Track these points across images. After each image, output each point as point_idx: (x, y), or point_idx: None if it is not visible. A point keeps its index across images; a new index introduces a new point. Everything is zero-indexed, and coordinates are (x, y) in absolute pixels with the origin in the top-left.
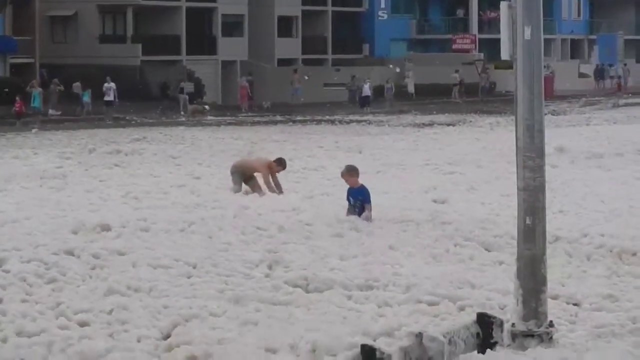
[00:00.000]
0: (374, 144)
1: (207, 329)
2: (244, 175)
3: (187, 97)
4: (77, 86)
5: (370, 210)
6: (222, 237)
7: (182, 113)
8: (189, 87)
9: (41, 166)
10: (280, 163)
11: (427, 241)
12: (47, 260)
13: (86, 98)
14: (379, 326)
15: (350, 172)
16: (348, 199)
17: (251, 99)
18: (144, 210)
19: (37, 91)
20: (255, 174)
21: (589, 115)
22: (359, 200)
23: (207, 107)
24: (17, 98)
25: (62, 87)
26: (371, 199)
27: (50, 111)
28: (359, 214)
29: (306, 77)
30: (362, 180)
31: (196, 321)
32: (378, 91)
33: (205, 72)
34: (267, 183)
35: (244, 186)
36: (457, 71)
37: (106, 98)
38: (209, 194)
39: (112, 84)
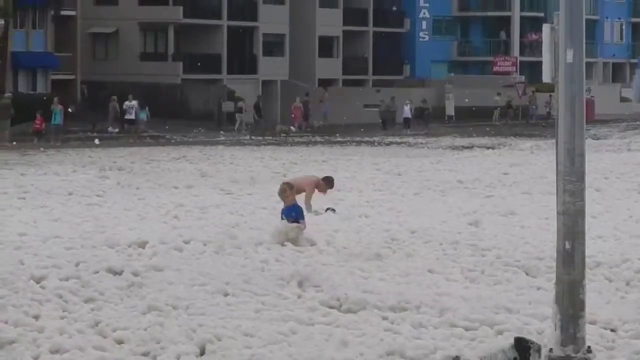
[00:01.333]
0: (412, 166)
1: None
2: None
3: (244, 115)
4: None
5: (304, 227)
6: (259, 257)
7: (241, 132)
8: (228, 106)
9: (81, 183)
10: (329, 181)
11: (465, 265)
12: (86, 278)
13: (143, 116)
14: (413, 347)
15: (285, 191)
16: (282, 217)
17: (306, 120)
18: (183, 229)
19: (57, 108)
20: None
21: (630, 139)
22: (291, 217)
23: (292, 128)
24: (38, 115)
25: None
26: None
27: (110, 128)
28: None
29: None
30: (401, 202)
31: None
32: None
33: (246, 92)
34: (307, 201)
35: None
36: (499, 94)
37: (127, 116)
38: (248, 214)
39: (134, 102)
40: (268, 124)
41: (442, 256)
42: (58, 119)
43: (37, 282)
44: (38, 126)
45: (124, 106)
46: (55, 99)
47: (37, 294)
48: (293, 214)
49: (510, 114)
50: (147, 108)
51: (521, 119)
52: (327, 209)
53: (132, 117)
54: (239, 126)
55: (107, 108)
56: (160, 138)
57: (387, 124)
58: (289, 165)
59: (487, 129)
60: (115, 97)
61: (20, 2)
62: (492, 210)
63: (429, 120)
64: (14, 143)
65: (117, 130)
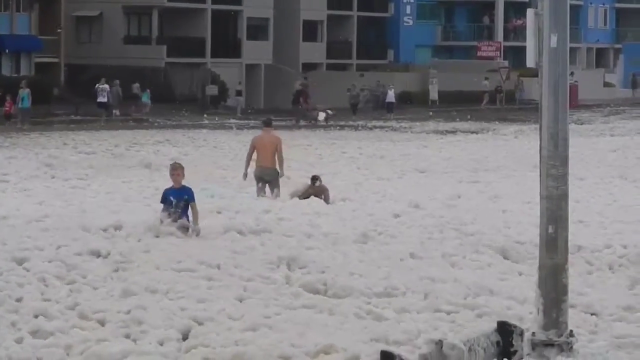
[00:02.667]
0: (397, 150)
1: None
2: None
3: (242, 99)
4: (136, 87)
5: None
6: (244, 242)
7: (239, 116)
8: (212, 90)
9: (64, 166)
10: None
11: (448, 249)
12: (68, 261)
13: (145, 98)
14: (398, 332)
15: (178, 169)
16: (166, 200)
17: (307, 104)
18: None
19: (25, 92)
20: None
21: (613, 125)
22: (183, 200)
23: (329, 111)
24: (7, 98)
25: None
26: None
27: (115, 112)
28: (182, 216)
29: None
30: (386, 185)
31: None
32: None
33: (230, 75)
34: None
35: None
36: (487, 79)
37: (99, 99)
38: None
39: (106, 86)
40: (254, 108)
41: (426, 240)
42: (26, 103)
43: (19, 264)
44: (7, 109)
45: (96, 88)
46: (23, 82)
47: (20, 277)
48: (185, 196)
49: (500, 99)
50: (148, 90)
51: (506, 104)
52: None
53: (104, 100)
54: (239, 109)
55: (93, 91)
56: (143, 121)
57: (355, 110)
58: None
59: (471, 113)
60: (117, 82)
61: None
62: (475, 194)
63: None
64: None
65: (117, 113)
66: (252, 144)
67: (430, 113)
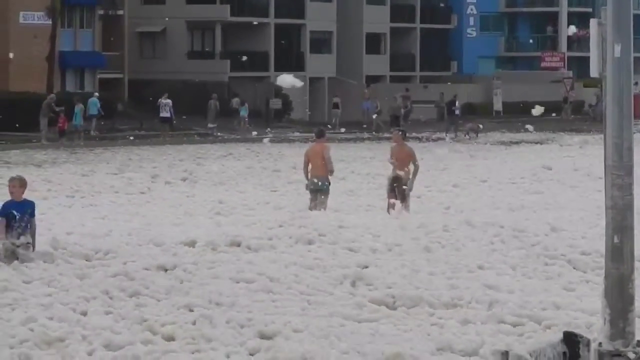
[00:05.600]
0: (462, 161)
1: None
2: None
3: (339, 112)
4: (236, 101)
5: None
6: (311, 254)
7: (332, 129)
8: (276, 103)
9: (128, 181)
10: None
11: (515, 260)
12: (133, 275)
13: (243, 112)
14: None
15: (21, 181)
16: (8, 214)
17: (407, 116)
18: (229, 227)
19: (78, 108)
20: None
21: None
22: (27, 214)
23: (481, 126)
24: (61, 114)
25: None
26: None
27: (209, 125)
28: (25, 231)
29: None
30: (450, 196)
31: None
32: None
33: (293, 89)
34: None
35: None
36: (572, 89)
37: (162, 114)
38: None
39: (169, 101)
40: (317, 121)
41: (491, 252)
42: (78, 119)
43: (80, 279)
44: (61, 125)
45: (158, 103)
46: (75, 98)
47: (84, 292)
48: (29, 210)
49: (565, 109)
50: (246, 104)
51: (576, 115)
52: None
53: (167, 115)
54: (334, 122)
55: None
56: (208, 135)
57: (397, 122)
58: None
59: (536, 124)
60: (215, 95)
61: (67, 1)
62: (540, 205)
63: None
64: (44, 142)
65: (215, 125)
66: (305, 155)
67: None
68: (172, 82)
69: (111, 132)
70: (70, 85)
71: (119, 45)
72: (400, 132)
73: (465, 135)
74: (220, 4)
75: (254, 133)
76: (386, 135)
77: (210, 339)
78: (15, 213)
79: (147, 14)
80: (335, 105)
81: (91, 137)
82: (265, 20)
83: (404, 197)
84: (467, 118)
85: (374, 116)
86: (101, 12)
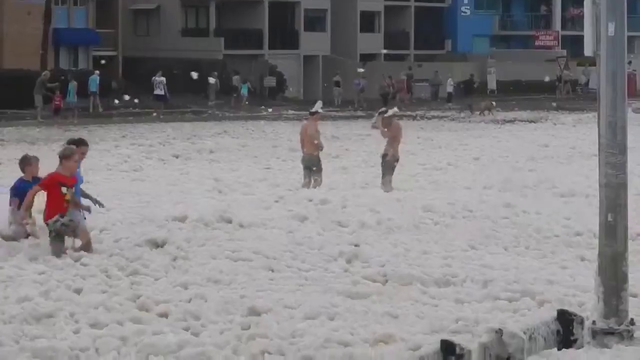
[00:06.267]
0: (456, 140)
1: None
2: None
3: (341, 90)
4: (236, 79)
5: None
6: (305, 230)
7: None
8: (270, 81)
9: (123, 158)
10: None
11: (507, 238)
12: (129, 254)
13: (244, 90)
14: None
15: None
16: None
17: (409, 93)
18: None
19: (72, 85)
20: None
21: None
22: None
23: (494, 103)
24: (57, 92)
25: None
26: None
27: (210, 102)
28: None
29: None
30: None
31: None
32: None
33: (287, 67)
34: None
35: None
36: (568, 68)
37: (156, 92)
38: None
39: (163, 78)
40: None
41: (483, 229)
42: (72, 96)
43: (75, 260)
44: (57, 103)
45: (152, 81)
46: (69, 74)
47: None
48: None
49: (561, 88)
50: (248, 83)
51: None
52: None
53: (161, 92)
54: (337, 101)
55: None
56: (202, 113)
57: (386, 100)
58: (332, 141)
59: (529, 102)
60: (215, 73)
61: None
62: (532, 183)
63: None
64: (39, 119)
65: (214, 102)
66: (300, 132)
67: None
68: (167, 60)
69: (106, 110)
70: (64, 63)
71: (113, 23)
72: (379, 114)
73: (480, 114)
74: None
75: (264, 110)
76: (369, 112)
77: (199, 317)
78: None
79: None
80: (337, 84)
81: (91, 114)
82: None
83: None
84: (460, 97)
85: (360, 93)
86: None
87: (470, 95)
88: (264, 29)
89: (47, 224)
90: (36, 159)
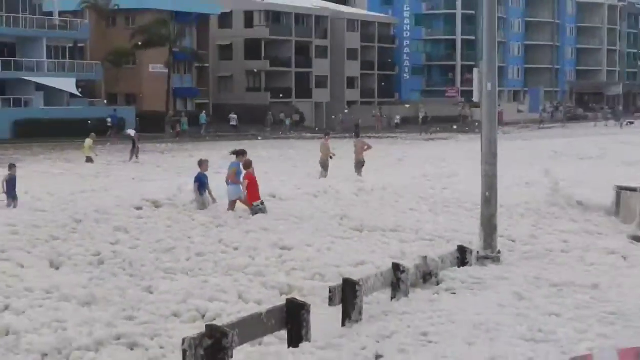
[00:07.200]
0: (395, 151)
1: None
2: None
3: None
4: (282, 115)
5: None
6: (317, 202)
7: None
8: (296, 117)
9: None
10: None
11: (430, 204)
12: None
13: (287, 122)
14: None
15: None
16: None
17: (381, 122)
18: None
19: (184, 120)
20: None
21: (522, 134)
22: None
23: (438, 128)
24: (177, 125)
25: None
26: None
27: (267, 130)
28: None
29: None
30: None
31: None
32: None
33: (305, 109)
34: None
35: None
36: (469, 107)
37: (231, 123)
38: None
39: (235, 115)
40: (321, 128)
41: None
42: (185, 127)
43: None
44: (177, 130)
45: (229, 117)
46: (182, 113)
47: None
48: (204, 179)
49: (462, 121)
50: (291, 117)
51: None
52: None
53: (234, 124)
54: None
55: (228, 119)
56: (255, 137)
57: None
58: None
59: (445, 129)
60: (270, 112)
61: (177, 57)
62: (442, 173)
63: (427, 125)
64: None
65: (269, 129)
66: (320, 147)
67: (421, 134)
68: (236, 106)
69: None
70: (179, 107)
71: (207, 83)
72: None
73: (420, 134)
74: (264, 59)
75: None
76: (346, 135)
77: (257, 249)
78: (205, 181)
79: (223, 67)
80: (357, 127)
81: (199, 137)
82: (288, 69)
83: (359, 170)
84: (403, 127)
85: (340, 124)
86: (196, 65)
87: (409, 125)
88: (292, 87)
89: (253, 205)
90: (207, 161)
